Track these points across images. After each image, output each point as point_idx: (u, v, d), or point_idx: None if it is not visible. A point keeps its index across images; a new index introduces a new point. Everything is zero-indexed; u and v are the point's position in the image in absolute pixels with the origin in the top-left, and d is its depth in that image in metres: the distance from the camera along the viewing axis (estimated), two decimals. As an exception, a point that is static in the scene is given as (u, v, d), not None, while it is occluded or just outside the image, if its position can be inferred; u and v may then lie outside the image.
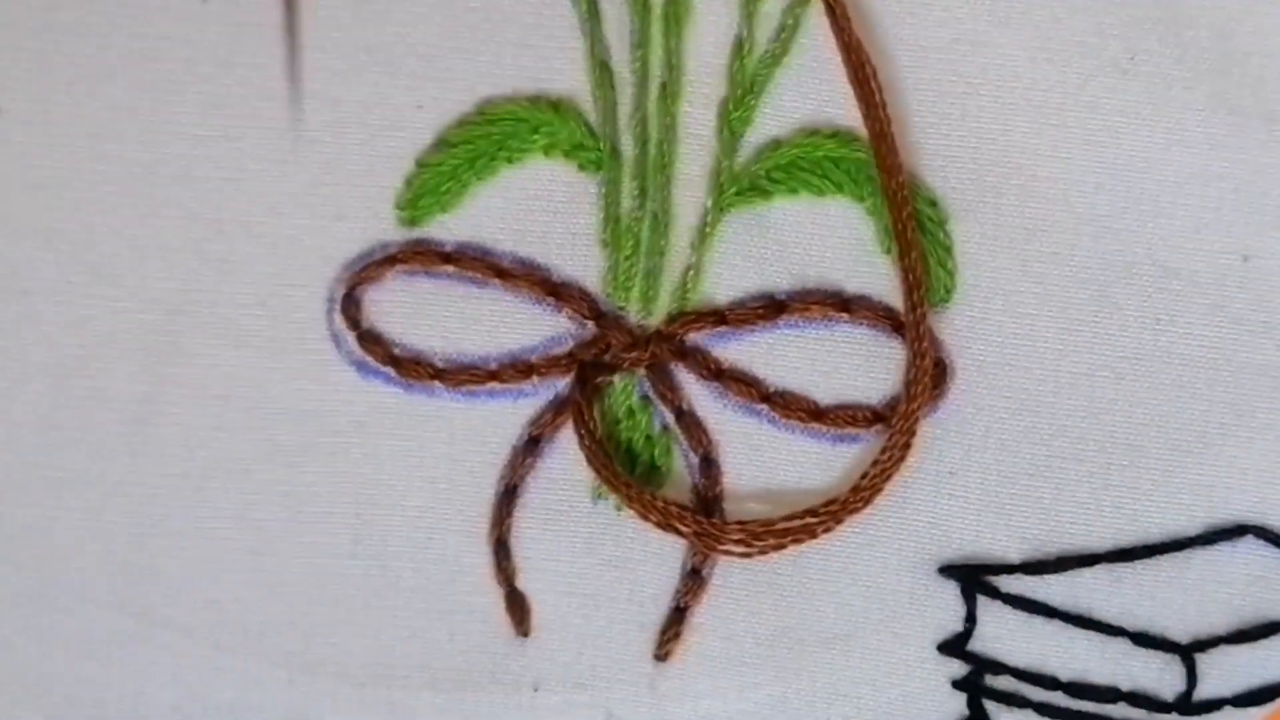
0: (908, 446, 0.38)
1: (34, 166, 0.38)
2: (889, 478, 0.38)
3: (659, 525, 0.38)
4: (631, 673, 0.40)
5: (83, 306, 0.39)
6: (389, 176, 0.38)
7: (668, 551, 0.39)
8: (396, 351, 0.39)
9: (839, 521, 0.38)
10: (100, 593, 0.40)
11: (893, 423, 0.38)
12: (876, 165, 0.37)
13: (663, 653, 0.39)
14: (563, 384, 0.39)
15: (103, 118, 0.38)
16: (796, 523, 0.38)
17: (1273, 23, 0.36)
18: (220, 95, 0.38)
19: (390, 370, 0.39)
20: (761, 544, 0.38)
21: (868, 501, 0.38)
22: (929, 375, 0.38)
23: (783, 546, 0.38)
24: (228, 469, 0.39)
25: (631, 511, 0.38)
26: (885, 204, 0.37)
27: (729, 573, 0.39)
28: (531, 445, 0.39)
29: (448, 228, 0.39)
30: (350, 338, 0.39)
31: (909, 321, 0.37)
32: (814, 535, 0.38)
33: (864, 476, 0.38)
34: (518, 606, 0.40)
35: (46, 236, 0.38)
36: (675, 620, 0.39)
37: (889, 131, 0.37)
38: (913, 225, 0.37)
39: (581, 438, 0.38)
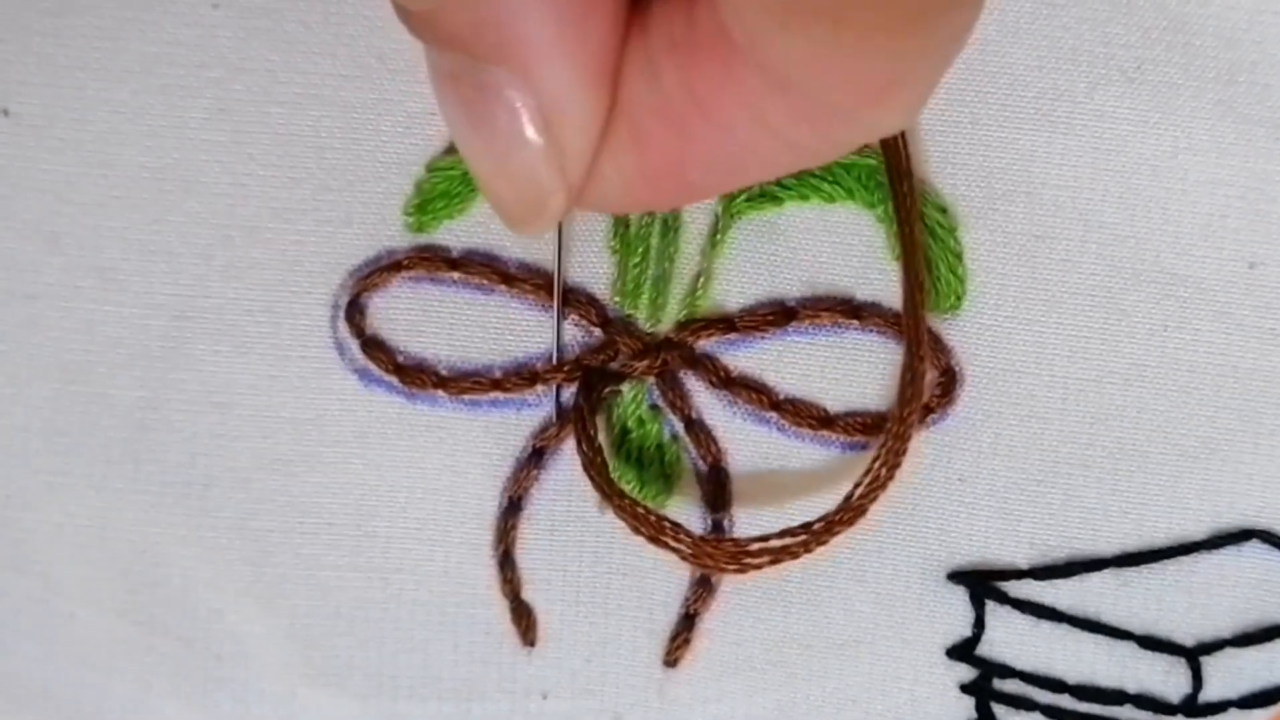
0: (898, 464, 0.37)
1: (41, 170, 0.38)
2: (881, 489, 0.37)
3: (650, 540, 0.37)
4: (641, 679, 0.39)
5: (88, 311, 0.38)
6: (398, 182, 0.38)
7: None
8: (400, 359, 0.38)
9: (832, 534, 0.37)
10: (102, 600, 0.39)
11: (882, 440, 0.37)
12: (887, 174, 0.37)
13: (672, 659, 0.39)
14: (568, 394, 0.39)
15: (111, 121, 0.37)
16: (789, 540, 0.37)
17: (1279, 31, 0.37)
18: (228, 100, 0.37)
19: (393, 379, 0.38)
20: (756, 561, 0.37)
21: (860, 514, 0.37)
22: (921, 397, 0.37)
23: (777, 562, 0.37)
24: (229, 477, 0.39)
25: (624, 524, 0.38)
26: (895, 214, 0.37)
27: (738, 579, 0.39)
28: (536, 458, 0.39)
29: (455, 234, 0.38)
30: (354, 345, 0.39)
31: (908, 340, 0.37)
32: (808, 550, 0.37)
33: (855, 488, 0.37)
34: (524, 618, 0.39)
35: (53, 240, 0.38)
36: (685, 626, 0.39)
37: (900, 139, 0.37)
38: (921, 243, 0.37)
39: (580, 445, 0.38)
